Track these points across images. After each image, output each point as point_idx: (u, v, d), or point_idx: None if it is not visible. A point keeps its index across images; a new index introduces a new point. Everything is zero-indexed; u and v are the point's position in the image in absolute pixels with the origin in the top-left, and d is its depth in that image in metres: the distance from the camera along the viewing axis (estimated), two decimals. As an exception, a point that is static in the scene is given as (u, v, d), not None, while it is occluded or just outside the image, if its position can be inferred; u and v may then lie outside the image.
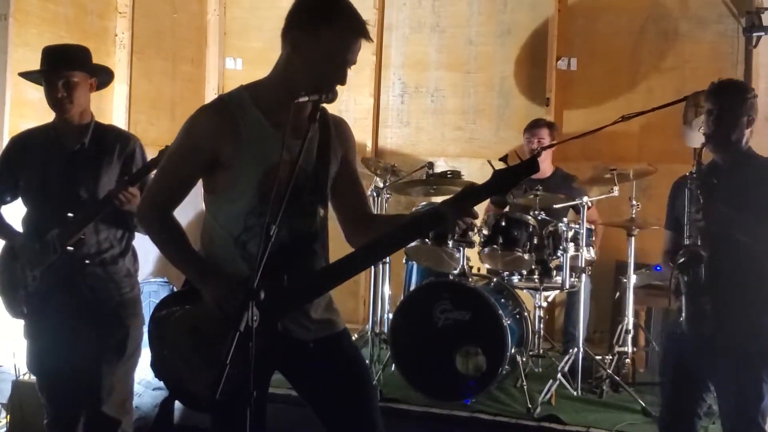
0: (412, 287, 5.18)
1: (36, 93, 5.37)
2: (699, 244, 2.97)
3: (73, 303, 3.34)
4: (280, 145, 2.19)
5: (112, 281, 3.42)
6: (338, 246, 2.57)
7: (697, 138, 5.14)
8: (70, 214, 3.30)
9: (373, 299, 5.30)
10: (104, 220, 3.36)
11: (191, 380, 2.40)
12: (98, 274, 3.38)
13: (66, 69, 3.36)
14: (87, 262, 3.35)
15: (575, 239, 4.77)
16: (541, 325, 4.92)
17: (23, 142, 3.55)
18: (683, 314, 3.00)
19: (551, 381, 4.51)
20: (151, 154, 3.45)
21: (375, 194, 5.21)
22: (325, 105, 2.36)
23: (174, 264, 2.52)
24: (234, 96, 2.42)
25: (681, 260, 2.95)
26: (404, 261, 5.29)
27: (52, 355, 3.40)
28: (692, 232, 3.00)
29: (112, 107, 5.94)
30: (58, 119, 3.45)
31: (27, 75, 3.57)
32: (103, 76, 3.53)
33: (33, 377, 4.26)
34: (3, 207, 3.56)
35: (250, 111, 2.37)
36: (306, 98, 2.24)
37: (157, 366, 2.49)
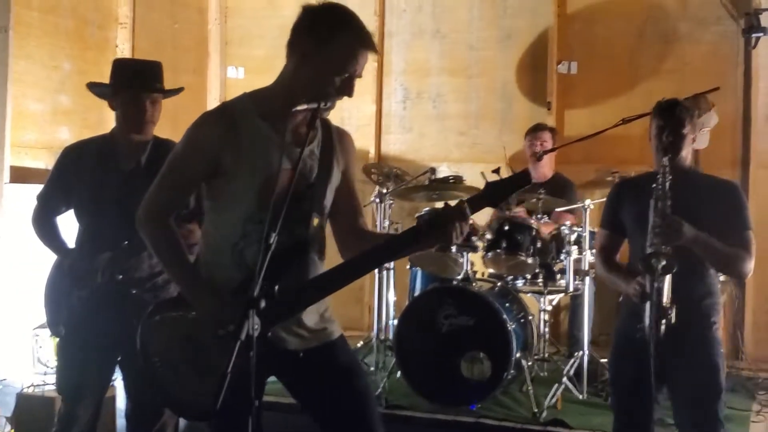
0: (417, 293, 5.19)
1: (37, 105, 5.36)
2: (665, 250, 2.92)
3: (117, 329, 3.08)
4: (280, 153, 2.19)
5: None
6: (334, 255, 2.56)
7: (698, 139, 5.17)
8: (125, 242, 3.10)
9: (377, 306, 5.30)
10: None
11: (181, 388, 2.41)
12: (147, 300, 3.05)
13: (157, 88, 3.18)
14: (134, 291, 3.16)
15: (578, 242, 4.77)
16: (546, 329, 4.92)
17: (77, 153, 3.34)
18: (646, 320, 2.91)
19: (557, 385, 4.51)
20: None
21: (378, 200, 5.21)
22: (327, 115, 2.38)
23: (167, 272, 2.57)
24: (237, 103, 2.43)
25: (659, 264, 2.87)
26: (408, 267, 5.30)
27: (85, 378, 3.23)
28: (655, 240, 2.95)
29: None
30: (119, 133, 3.27)
31: (97, 87, 3.34)
32: (171, 95, 3.37)
33: (38, 390, 4.27)
34: (59, 217, 3.35)
35: (252, 118, 2.38)
36: (305, 106, 2.26)
37: (146, 372, 2.48)
